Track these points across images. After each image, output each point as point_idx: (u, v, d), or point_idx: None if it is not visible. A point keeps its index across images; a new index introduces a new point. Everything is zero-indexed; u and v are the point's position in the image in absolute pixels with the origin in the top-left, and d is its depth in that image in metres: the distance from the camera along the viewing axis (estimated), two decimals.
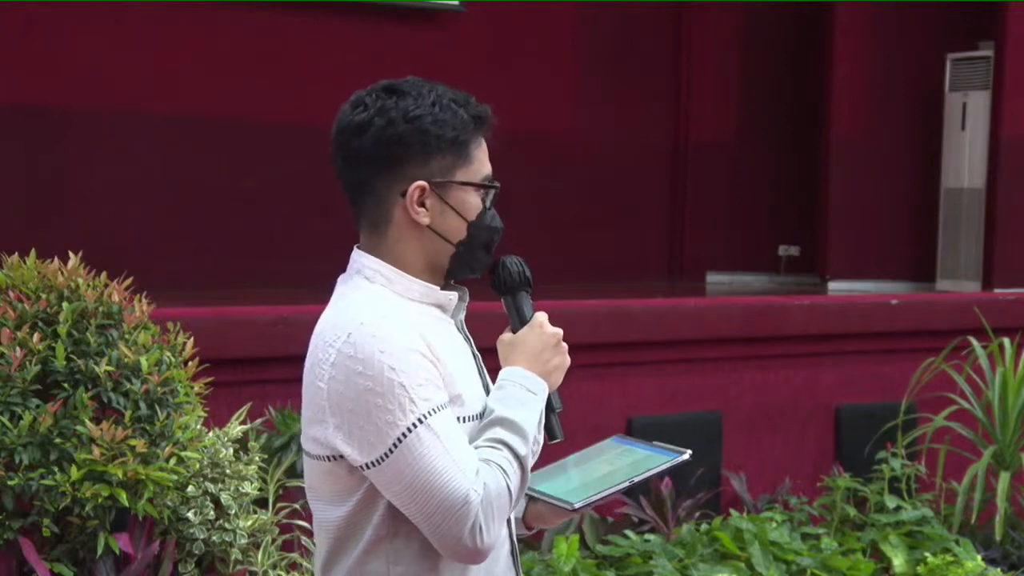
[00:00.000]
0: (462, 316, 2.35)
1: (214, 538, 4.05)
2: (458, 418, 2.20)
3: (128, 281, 4.06)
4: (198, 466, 4.05)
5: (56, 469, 3.68)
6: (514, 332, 2.36)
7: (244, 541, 4.10)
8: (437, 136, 2.22)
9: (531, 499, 2.39)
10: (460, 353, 2.29)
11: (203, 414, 4.06)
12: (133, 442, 3.72)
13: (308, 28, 7.26)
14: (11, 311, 3.82)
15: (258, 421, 4.63)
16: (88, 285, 3.94)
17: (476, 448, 2.19)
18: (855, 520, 6.06)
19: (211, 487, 4.08)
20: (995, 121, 7.85)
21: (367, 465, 2.14)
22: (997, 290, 7.67)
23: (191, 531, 4.01)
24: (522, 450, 2.22)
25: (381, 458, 2.12)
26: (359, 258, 2.28)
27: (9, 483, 3.65)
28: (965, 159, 8.05)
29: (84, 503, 3.69)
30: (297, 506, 4.51)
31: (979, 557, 5.64)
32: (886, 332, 6.87)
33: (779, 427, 6.62)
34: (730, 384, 6.49)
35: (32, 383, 3.72)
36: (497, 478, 2.16)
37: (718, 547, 5.48)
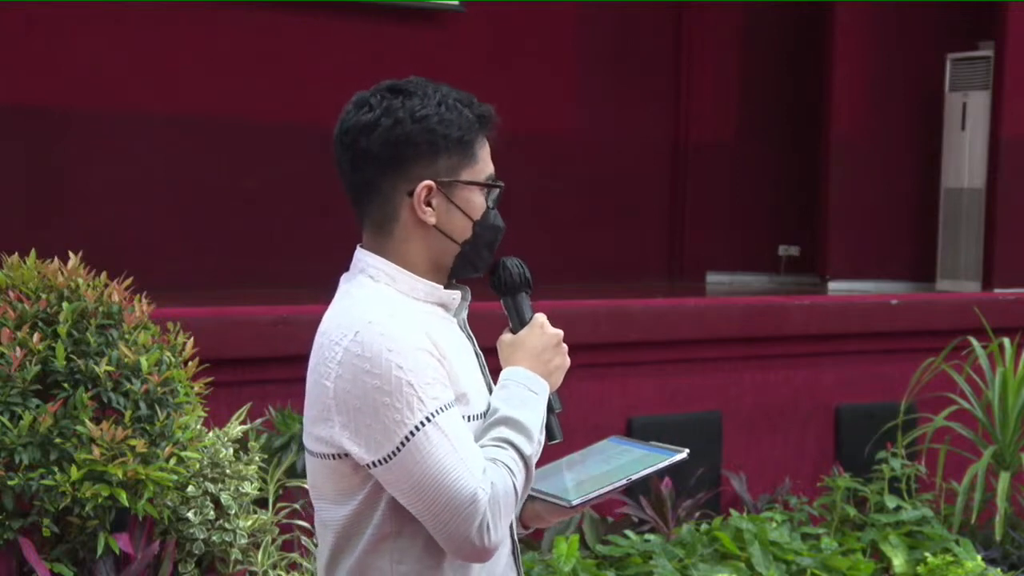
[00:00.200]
0: (464, 315, 2.36)
1: (214, 538, 4.05)
2: (463, 417, 2.20)
3: (128, 281, 4.06)
4: (198, 466, 4.05)
5: (56, 469, 3.68)
6: (513, 333, 2.37)
7: (244, 541, 4.10)
8: (444, 136, 2.23)
9: (529, 498, 2.40)
10: (464, 352, 2.29)
11: (203, 414, 4.06)
12: (133, 442, 3.72)
13: (308, 28, 7.26)
14: (11, 311, 3.82)
15: (258, 421, 4.63)
16: (88, 285, 3.94)
17: (482, 447, 2.20)
18: (855, 520, 6.06)
19: (211, 487, 4.08)
20: (995, 121, 7.85)
21: (374, 463, 2.14)
22: (997, 290, 7.67)
23: (191, 531, 4.01)
24: (527, 450, 2.23)
25: (388, 456, 2.13)
26: (363, 257, 2.29)
27: (9, 483, 3.65)
28: (965, 159, 8.05)
29: (84, 503, 3.69)
30: (297, 506, 4.52)
31: (979, 557, 5.64)
32: (886, 332, 6.87)
33: (779, 427, 6.62)
34: (730, 384, 6.49)
35: (32, 383, 3.72)
36: (504, 477, 2.17)
37: (718, 547, 5.48)
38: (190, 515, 4.01)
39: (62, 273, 3.94)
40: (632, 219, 8.61)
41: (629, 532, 5.53)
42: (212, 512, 4.06)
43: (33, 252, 3.99)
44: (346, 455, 2.17)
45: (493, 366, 2.36)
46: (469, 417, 2.23)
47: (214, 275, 6.76)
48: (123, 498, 3.69)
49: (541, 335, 2.35)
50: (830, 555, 5.55)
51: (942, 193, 8.20)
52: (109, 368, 3.77)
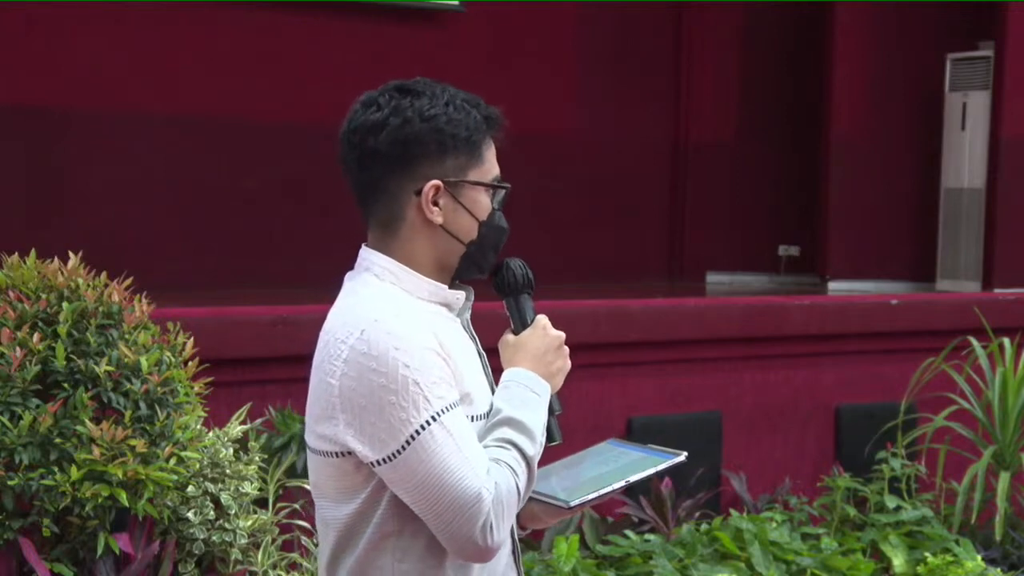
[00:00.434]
0: (467, 316, 2.36)
1: (214, 538, 4.05)
2: (467, 416, 2.21)
3: (128, 281, 4.06)
4: (198, 466, 4.05)
5: (56, 469, 3.68)
6: (515, 334, 2.38)
7: (244, 541, 4.10)
8: (452, 136, 2.23)
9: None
10: (467, 352, 2.30)
11: (203, 414, 4.06)
12: (133, 442, 3.72)
13: (308, 28, 7.26)
14: (11, 311, 3.82)
15: (258, 421, 4.64)
16: (88, 285, 3.94)
17: (484, 447, 2.20)
18: (855, 520, 6.06)
19: (211, 487, 4.08)
20: (995, 121, 7.85)
21: (378, 462, 2.14)
22: (997, 290, 7.67)
23: (191, 531, 4.01)
24: (530, 450, 2.23)
25: (393, 455, 2.13)
26: (368, 256, 2.29)
27: (9, 483, 3.65)
28: (965, 159, 8.05)
29: (84, 503, 3.69)
30: (297, 506, 4.52)
31: (979, 557, 5.64)
32: (886, 332, 6.87)
33: (779, 427, 6.62)
34: (730, 384, 6.49)
35: (32, 383, 3.72)
36: (507, 477, 2.18)
37: (718, 547, 5.48)
38: (190, 515, 4.01)
39: (62, 273, 3.94)
40: (632, 219, 8.61)
41: (629, 532, 5.53)
42: (212, 512, 4.06)
43: (33, 252, 3.99)
44: (349, 453, 2.17)
45: (494, 366, 2.36)
46: (473, 417, 2.23)
47: (214, 275, 6.76)
48: (123, 498, 3.69)
49: (543, 337, 2.36)
50: (830, 555, 5.55)
51: (942, 193, 8.20)
52: (109, 368, 3.77)
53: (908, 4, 8.12)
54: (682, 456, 2.39)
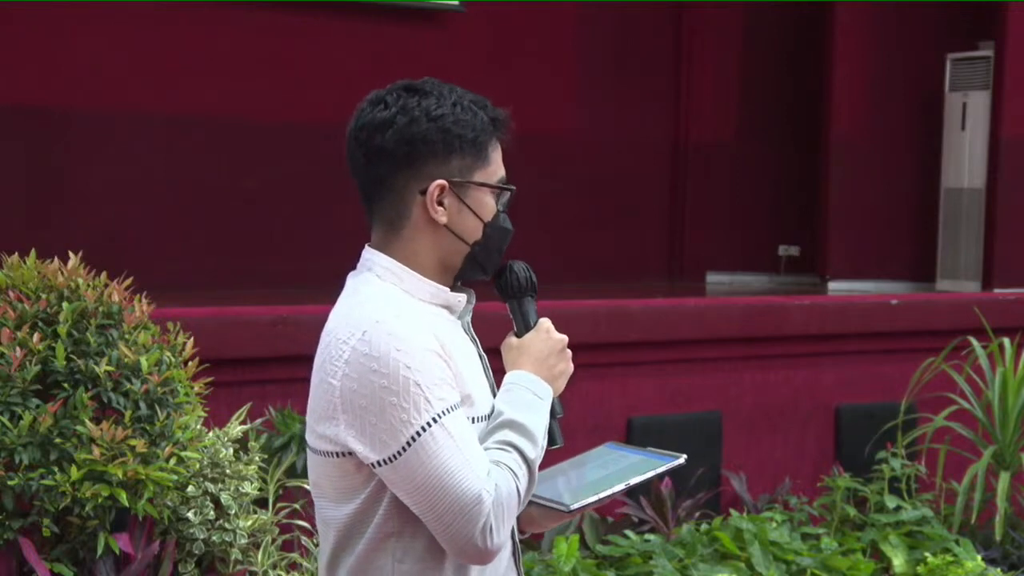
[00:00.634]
0: (468, 318, 2.37)
1: (214, 538, 4.05)
2: (468, 418, 2.21)
3: (128, 281, 4.06)
4: (198, 466, 4.05)
5: (56, 469, 3.68)
6: (518, 336, 2.38)
7: (244, 541, 4.10)
8: (458, 136, 2.24)
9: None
10: (468, 354, 2.30)
11: (203, 414, 4.06)
12: (133, 442, 3.72)
13: (308, 28, 7.26)
14: (11, 311, 3.82)
15: (258, 421, 4.64)
16: (88, 285, 3.94)
17: (485, 449, 2.20)
18: (855, 520, 6.06)
19: (211, 487, 4.08)
20: (995, 121, 7.85)
21: (379, 463, 2.14)
22: (997, 290, 7.67)
23: (191, 531, 4.02)
24: (531, 453, 2.23)
25: (394, 456, 2.13)
26: (371, 256, 2.29)
27: (9, 483, 3.65)
28: (965, 159, 8.05)
29: (84, 503, 3.69)
30: (297, 506, 4.52)
31: (979, 557, 5.64)
32: (886, 332, 6.87)
33: (779, 427, 6.62)
34: (730, 384, 6.49)
35: (32, 383, 3.72)
36: (508, 480, 2.18)
37: (718, 547, 5.48)
38: (190, 515, 4.01)
39: (62, 273, 3.94)
40: (632, 219, 8.61)
41: (629, 532, 5.53)
42: (212, 512, 4.06)
43: (33, 252, 3.99)
44: (350, 453, 2.17)
45: (495, 367, 2.36)
46: (474, 419, 2.23)
47: (214, 275, 6.76)
48: (123, 498, 3.69)
49: (546, 340, 2.36)
50: (830, 555, 5.55)
51: (942, 193, 8.20)
52: (109, 368, 3.77)
53: (908, 4, 8.12)
54: (681, 459, 2.39)
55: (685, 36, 8.74)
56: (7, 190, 6.52)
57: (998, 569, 5.68)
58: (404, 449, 2.12)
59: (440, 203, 2.24)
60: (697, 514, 5.86)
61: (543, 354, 2.35)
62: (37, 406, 3.71)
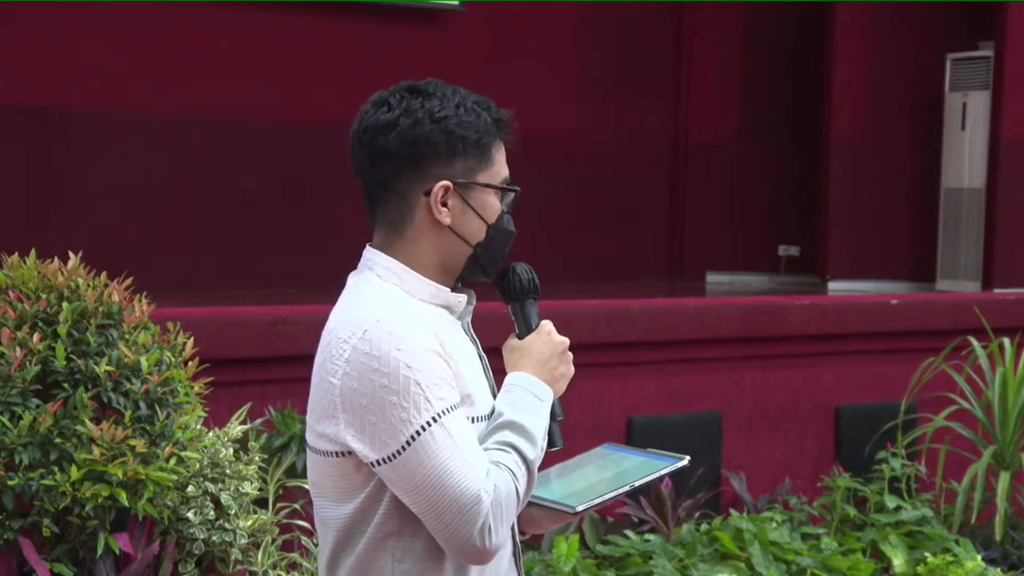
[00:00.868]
0: (468, 319, 2.37)
1: (214, 538, 4.05)
2: (468, 418, 2.21)
3: (128, 281, 4.06)
4: (198, 466, 4.05)
5: (56, 469, 3.68)
6: (520, 338, 2.38)
7: (244, 541, 4.10)
8: (462, 137, 2.24)
9: (527, 503, 2.40)
10: (468, 354, 2.30)
11: (203, 414, 4.06)
12: (133, 442, 3.72)
13: (308, 28, 7.26)
14: (11, 311, 3.82)
15: (258, 421, 4.64)
16: (88, 285, 3.94)
17: (485, 450, 2.21)
18: (855, 520, 6.06)
19: (211, 487, 4.08)
20: (995, 121, 7.85)
21: (378, 462, 2.15)
22: (997, 290, 7.67)
23: (191, 531, 4.02)
24: (531, 454, 2.23)
25: (393, 455, 2.13)
26: (372, 256, 2.29)
27: (9, 483, 3.65)
28: (965, 159, 8.05)
29: (84, 503, 3.69)
30: (297, 506, 4.52)
31: (979, 557, 5.64)
32: (886, 332, 6.87)
33: (779, 427, 6.62)
34: (730, 384, 6.49)
35: (32, 383, 3.72)
36: (507, 480, 2.18)
37: (718, 547, 5.48)
38: (190, 515, 4.01)
39: (62, 273, 3.94)
40: (632, 219, 8.61)
41: (629, 532, 5.53)
42: (212, 512, 4.06)
43: (33, 252, 3.99)
44: (350, 452, 2.17)
45: (495, 367, 2.36)
46: (473, 419, 2.24)
47: (214, 275, 6.76)
48: (123, 498, 3.69)
49: (548, 342, 2.37)
50: (830, 555, 5.55)
51: (942, 193, 8.20)
52: (109, 368, 3.77)
53: (908, 4, 8.12)
54: (685, 460, 2.39)
55: (685, 36, 8.74)
56: (7, 190, 6.52)
57: (998, 569, 5.68)
58: (404, 448, 2.13)
59: (444, 204, 2.25)
60: (697, 514, 5.86)
61: (544, 356, 2.35)
62: (37, 406, 3.71)
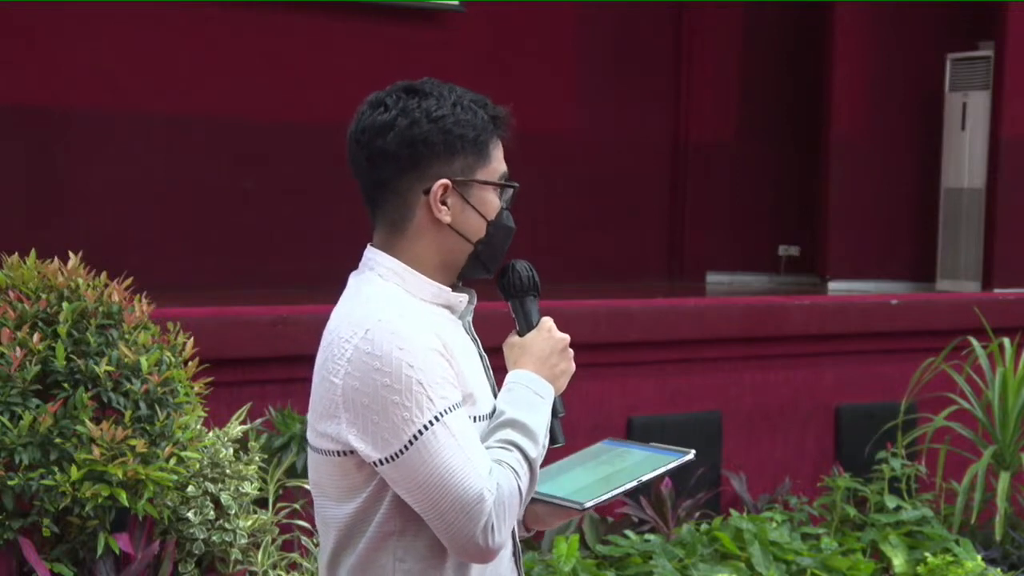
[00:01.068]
0: (470, 318, 2.37)
1: (214, 538, 4.05)
2: (470, 417, 2.21)
3: (128, 281, 4.06)
4: (198, 466, 4.06)
5: (56, 469, 3.68)
6: (520, 335, 2.39)
7: (244, 541, 4.10)
8: (460, 136, 2.24)
9: (531, 500, 2.39)
10: (469, 353, 2.30)
11: (203, 414, 4.06)
12: (133, 442, 3.72)
13: (308, 28, 7.27)
14: (11, 311, 3.82)
15: (258, 421, 4.64)
16: (88, 285, 3.94)
17: (487, 448, 2.21)
18: (855, 520, 6.06)
19: (211, 487, 4.08)
20: (995, 121, 7.85)
21: (381, 461, 2.15)
22: (997, 290, 7.67)
23: (191, 531, 4.02)
24: (532, 452, 2.23)
25: (396, 454, 2.13)
26: (373, 256, 2.30)
27: (9, 483, 3.65)
28: (965, 159, 8.05)
29: (84, 503, 3.69)
30: (297, 506, 4.52)
31: (979, 557, 5.64)
32: (886, 332, 6.87)
33: (779, 427, 6.62)
34: (730, 384, 6.49)
35: (32, 383, 3.72)
36: (509, 479, 2.18)
37: (718, 547, 5.48)
38: (190, 515, 4.01)
39: (62, 273, 3.94)
40: (632, 219, 8.61)
41: (629, 532, 5.53)
42: (212, 512, 4.06)
43: (33, 252, 3.99)
44: (351, 452, 2.18)
45: (496, 366, 2.36)
46: (475, 418, 2.24)
47: (214, 275, 6.76)
48: (123, 498, 3.69)
49: (548, 339, 2.37)
50: (830, 555, 5.55)
51: (942, 193, 8.20)
52: (109, 368, 3.77)
53: (908, 4, 8.12)
54: (691, 454, 2.38)
55: (685, 36, 8.74)
56: (7, 190, 6.52)
57: (998, 569, 5.68)
58: (406, 448, 2.13)
59: (444, 203, 2.25)
60: (697, 514, 5.86)
61: (545, 353, 2.35)
62: (37, 406, 3.71)
